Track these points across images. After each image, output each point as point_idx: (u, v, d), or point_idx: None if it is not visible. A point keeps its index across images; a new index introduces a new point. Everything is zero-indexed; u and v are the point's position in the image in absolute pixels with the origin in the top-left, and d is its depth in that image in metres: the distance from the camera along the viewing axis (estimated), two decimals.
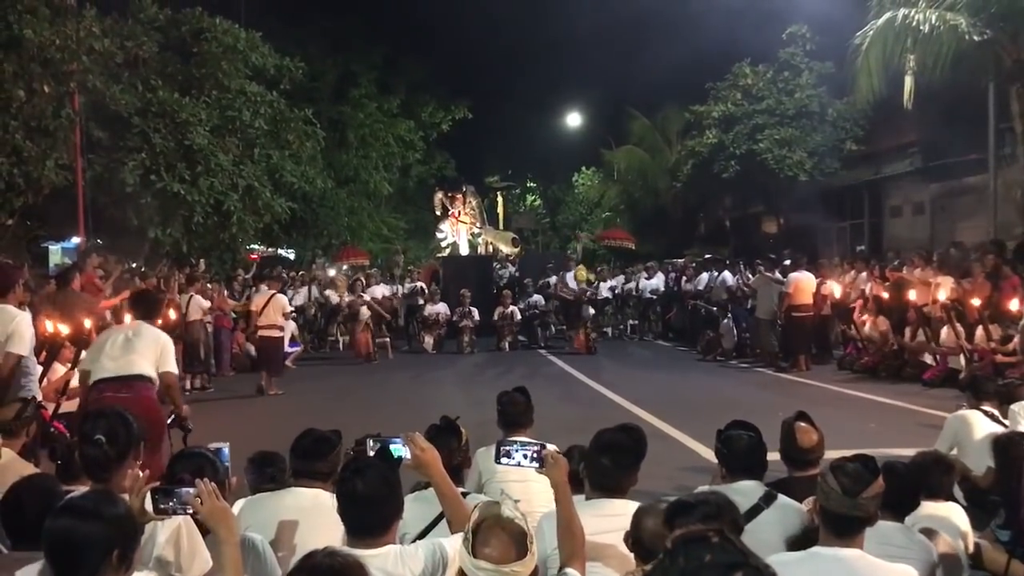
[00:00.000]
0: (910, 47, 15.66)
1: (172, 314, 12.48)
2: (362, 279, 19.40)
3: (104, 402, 5.63)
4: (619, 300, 21.94)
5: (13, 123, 12.77)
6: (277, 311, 13.59)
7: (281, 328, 13.82)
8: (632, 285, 21.74)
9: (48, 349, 8.10)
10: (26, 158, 12.98)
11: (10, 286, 6.68)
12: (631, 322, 22.04)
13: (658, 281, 21.28)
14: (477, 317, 19.20)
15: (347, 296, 19.00)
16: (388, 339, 18.51)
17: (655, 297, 21.27)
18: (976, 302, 10.93)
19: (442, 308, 19.44)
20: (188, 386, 13.55)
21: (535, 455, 3.17)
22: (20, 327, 6.33)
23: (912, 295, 12.71)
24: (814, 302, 14.66)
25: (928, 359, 12.84)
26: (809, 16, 23.15)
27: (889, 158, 22.58)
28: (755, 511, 3.59)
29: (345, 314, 18.95)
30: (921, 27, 15.18)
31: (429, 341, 19.05)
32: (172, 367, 6.40)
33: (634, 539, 3.06)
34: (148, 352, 6.25)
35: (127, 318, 7.19)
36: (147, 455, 4.03)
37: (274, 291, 13.94)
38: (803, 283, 14.56)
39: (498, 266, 23.60)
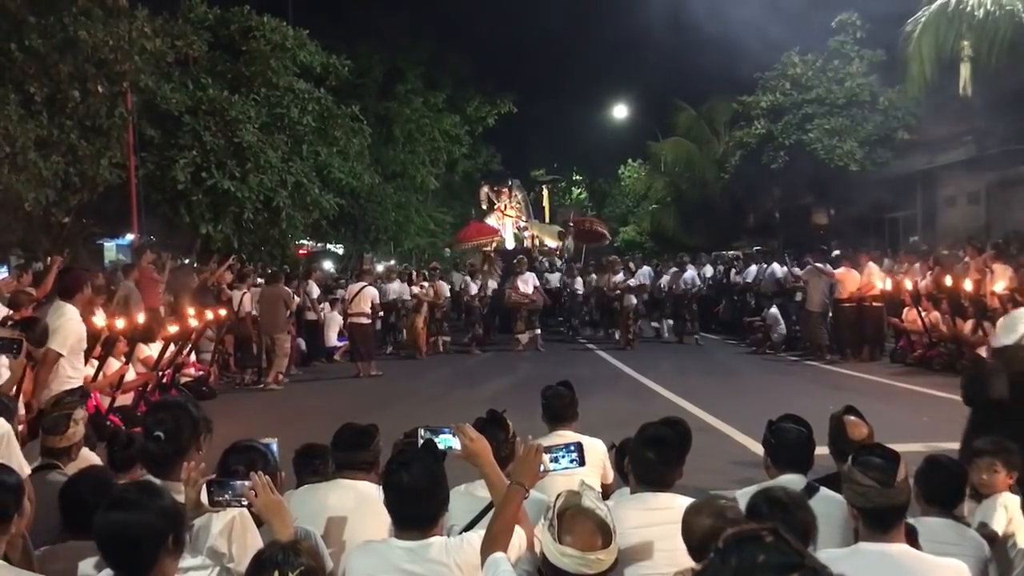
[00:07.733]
0: (964, 33, 15.37)
1: (222, 309, 12.71)
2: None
3: None
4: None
5: (68, 123, 13.01)
6: (365, 301, 14.93)
7: (368, 316, 15.11)
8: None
9: (103, 343, 8.29)
10: (81, 157, 13.21)
11: (76, 289, 6.92)
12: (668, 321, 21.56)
13: (667, 278, 20.28)
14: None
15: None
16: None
17: (664, 294, 19.84)
18: None
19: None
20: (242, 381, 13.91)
21: (578, 457, 3.21)
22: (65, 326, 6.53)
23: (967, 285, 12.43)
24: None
25: (984, 352, 12.53)
26: (859, 3, 22.77)
27: (942, 147, 22.02)
28: None
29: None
30: (976, 12, 14.90)
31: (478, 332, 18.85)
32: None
33: (685, 540, 2.94)
34: None
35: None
36: None
37: (365, 283, 15.43)
38: (877, 272, 14.72)
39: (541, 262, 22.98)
